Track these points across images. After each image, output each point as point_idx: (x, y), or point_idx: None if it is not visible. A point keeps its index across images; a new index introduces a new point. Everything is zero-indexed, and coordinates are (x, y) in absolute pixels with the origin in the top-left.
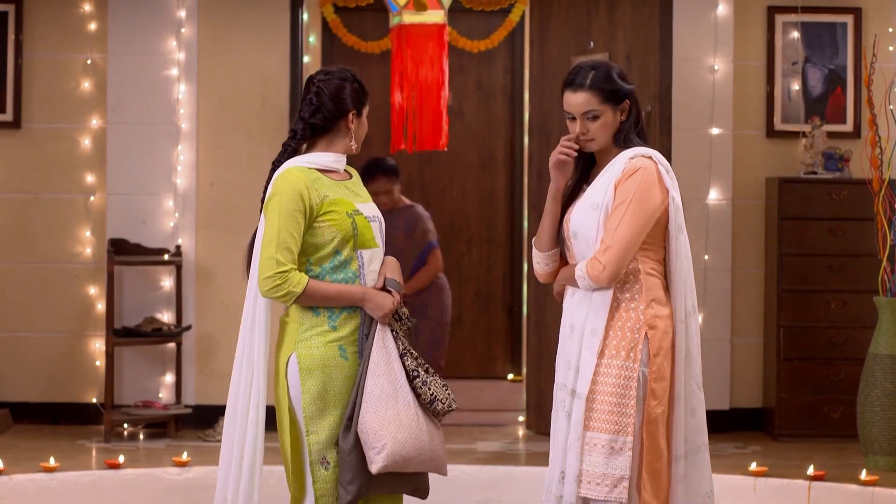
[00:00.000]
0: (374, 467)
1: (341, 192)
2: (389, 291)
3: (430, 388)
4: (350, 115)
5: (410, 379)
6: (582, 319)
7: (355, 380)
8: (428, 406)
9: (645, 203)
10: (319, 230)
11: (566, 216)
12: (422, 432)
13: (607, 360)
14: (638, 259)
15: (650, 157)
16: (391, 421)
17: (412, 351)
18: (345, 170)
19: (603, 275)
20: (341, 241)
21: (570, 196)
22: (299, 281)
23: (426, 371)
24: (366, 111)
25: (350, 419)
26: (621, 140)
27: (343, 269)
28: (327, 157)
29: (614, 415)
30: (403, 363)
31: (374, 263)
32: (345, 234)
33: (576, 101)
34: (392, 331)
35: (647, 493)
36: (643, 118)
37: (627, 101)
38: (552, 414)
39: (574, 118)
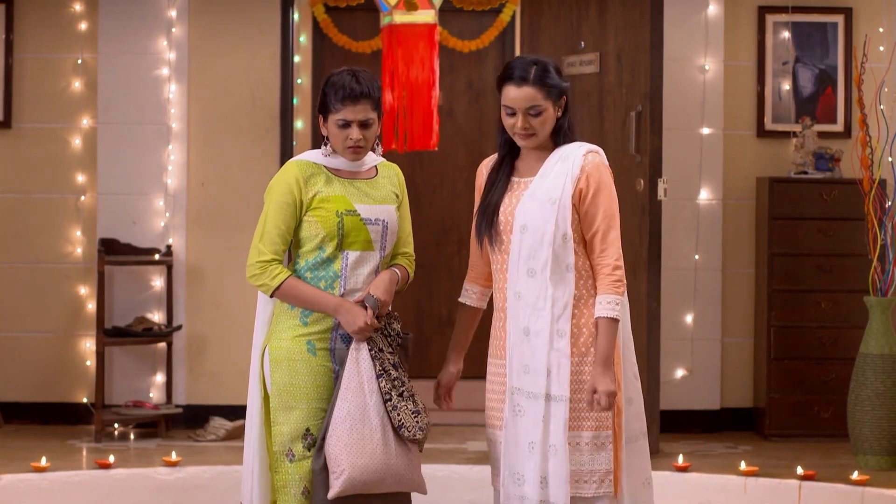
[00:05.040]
0: (331, 492)
1: (343, 190)
2: (372, 305)
3: (398, 414)
4: (319, 119)
5: (384, 401)
6: (543, 323)
7: (323, 378)
8: (396, 430)
9: (615, 197)
10: (306, 224)
11: (503, 209)
12: (389, 456)
13: (577, 359)
14: (583, 254)
15: (597, 152)
16: (354, 445)
17: (391, 371)
18: (376, 167)
19: (624, 277)
20: (324, 238)
21: (501, 188)
22: (277, 275)
23: (400, 395)
24: (332, 118)
25: (324, 439)
26: (561, 137)
27: (325, 267)
28: (315, 154)
29: (595, 411)
30: (379, 384)
31: (362, 267)
32: (328, 231)
33: (521, 95)
34: (372, 349)
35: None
36: (572, 112)
37: (565, 97)
38: (506, 420)
39: (514, 113)
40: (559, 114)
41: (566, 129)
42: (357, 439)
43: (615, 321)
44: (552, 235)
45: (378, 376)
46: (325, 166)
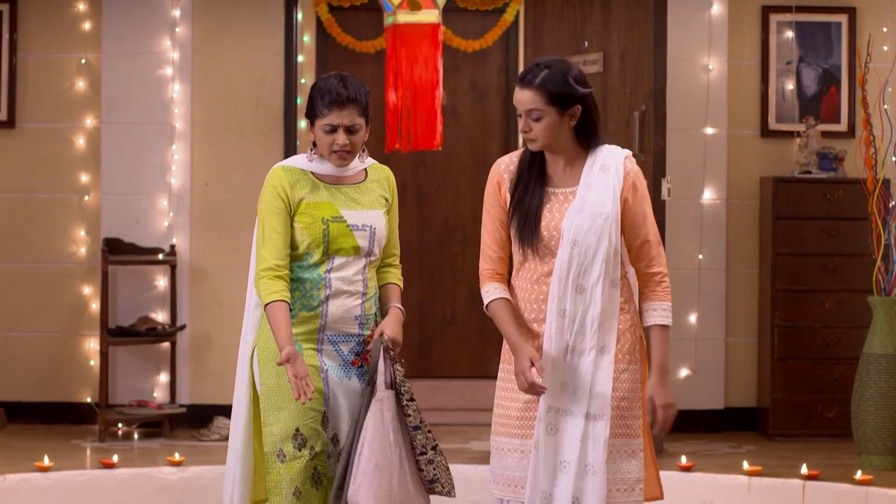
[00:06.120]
0: None
1: (329, 196)
2: (389, 350)
3: (434, 468)
4: (307, 124)
5: (416, 453)
6: (590, 341)
7: (311, 378)
8: (427, 483)
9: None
10: (295, 230)
11: (545, 222)
12: None
13: (616, 366)
14: (623, 263)
15: (631, 157)
16: (384, 498)
17: (425, 424)
18: (366, 170)
19: (668, 280)
20: (310, 244)
21: (538, 196)
22: (272, 293)
23: (433, 448)
24: (319, 122)
25: (340, 489)
26: (588, 141)
27: (311, 270)
28: (301, 159)
29: (626, 419)
30: (413, 438)
31: (347, 270)
32: (314, 238)
33: (522, 98)
34: (403, 403)
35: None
36: (597, 118)
37: (579, 106)
38: (538, 438)
39: (521, 114)
40: (572, 123)
41: (590, 135)
42: (387, 491)
43: (668, 328)
44: (605, 251)
45: (414, 428)
46: (311, 172)
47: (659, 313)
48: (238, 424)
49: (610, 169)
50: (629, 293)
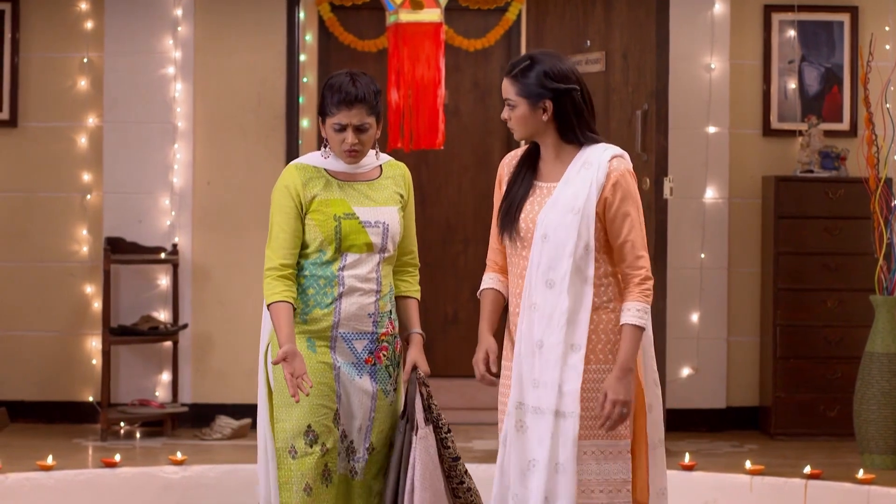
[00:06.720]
0: None
1: (342, 193)
2: (424, 384)
3: (472, 495)
4: (318, 121)
5: (455, 482)
6: (558, 337)
7: (324, 375)
8: None
9: (640, 204)
10: (308, 228)
11: (524, 215)
12: None
13: (595, 366)
14: (604, 262)
15: (622, 157)
16: None
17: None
18: (381, 167)
19: (652, 284)
20: (323, 241)
21: (525, 189)
22: (272, 294)
23: (466, 473)
24: (329, 121)
25: None
26: (572, 137)
27: (325, 268)
28: (314, 157)
29: None
30: (456, 468)
31: (361, 268)
32: (326, 235)
33: (503, 86)
34: (442, 436)
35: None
36: (587, 111)
37: (549, 101)
38: (508, 435)
39: None
40: (545, 117)
41: (574, 129)
42: None
43: (641, 329)
44: (574, 246)
45: (454, 459)
46: (324, 169)
47: (632, 313)
48: (263, 422)
49: (592, 166)
50: (615, 293)
